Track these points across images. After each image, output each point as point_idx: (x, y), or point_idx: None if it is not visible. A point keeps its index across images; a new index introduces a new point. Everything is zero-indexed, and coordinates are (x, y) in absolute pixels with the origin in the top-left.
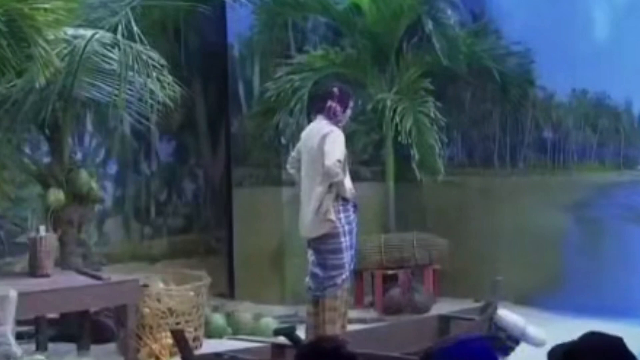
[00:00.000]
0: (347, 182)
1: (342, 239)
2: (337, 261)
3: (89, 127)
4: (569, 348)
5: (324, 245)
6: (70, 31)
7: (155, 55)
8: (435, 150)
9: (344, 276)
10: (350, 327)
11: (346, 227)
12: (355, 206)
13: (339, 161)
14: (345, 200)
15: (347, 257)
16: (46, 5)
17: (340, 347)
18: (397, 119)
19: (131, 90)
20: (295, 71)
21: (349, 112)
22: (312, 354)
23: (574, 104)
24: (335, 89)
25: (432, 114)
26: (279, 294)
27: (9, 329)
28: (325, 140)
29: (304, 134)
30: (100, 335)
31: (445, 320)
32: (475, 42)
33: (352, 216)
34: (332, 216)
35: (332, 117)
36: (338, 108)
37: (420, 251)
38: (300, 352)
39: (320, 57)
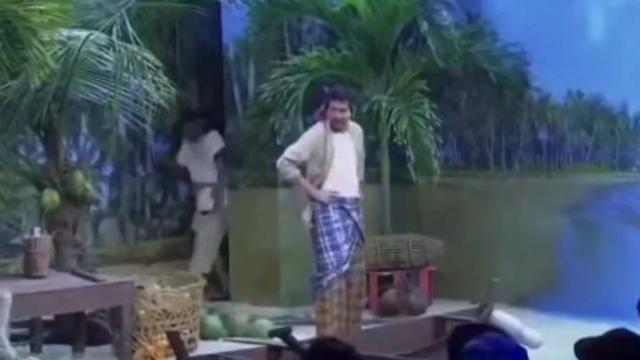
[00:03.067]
0: (328, 183)
1: (321, 240)
2: (320, 261)
3: (84, 128)
4: (596, 339)
5: (312, 244)
6: (65, 32)
7: (150, 56)
8: (431, 152)
9: (329, 277)
10: None
11: (324, 228)
12: (341, 207)
13: (287, 159)
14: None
15: (328, 257)
16: (41, 7)
17: (350, 349)
18: (393, 120)
19: (126, 91)
20: (290, 73)
21: (331, 104)
22: (322, 355)
23: (569, 106)
24: (322, 106)
25: (427, 116)
26: (275, 295)
27: (4, 331)
28: None
29: None
30: (95, 337)
31: (440, 322)
32: (470, 43)
33: (333, 217)
34: (304, 216)
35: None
36: (323, 109)
37: (416, 253)
38: (309, 353)
39: (315, 58)
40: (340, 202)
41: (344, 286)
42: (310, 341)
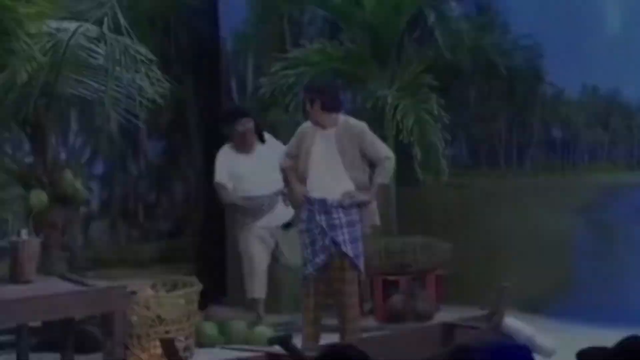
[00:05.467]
0: (309, 182)
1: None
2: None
3: (74, 125)
4: (607, 350)
5: None
6: (54, 24)
7: (143, 49)
8: (438, 150)
9: (300, 275)
10: None
11: (301, 225)
12: (309, 209)
13: (281, 165)
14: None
15: (304, 255)
16: None
17: (364, 356)
18: (399, 116)
19: (118, 86)
20: (290, 66)
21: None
22: None
23: (584, 101)
24: None
25: (435, 112)
26: (275, 301)
27: None
28: None
29: None
30: (85, 344)
31: (449, 329)
32: (480, 35)
33: (302, 217)
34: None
35: None
36: None
37: (423, 256)
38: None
39: (317, 51)
40: (308, 202)
41: (311, 290)
42: (322, 347)
